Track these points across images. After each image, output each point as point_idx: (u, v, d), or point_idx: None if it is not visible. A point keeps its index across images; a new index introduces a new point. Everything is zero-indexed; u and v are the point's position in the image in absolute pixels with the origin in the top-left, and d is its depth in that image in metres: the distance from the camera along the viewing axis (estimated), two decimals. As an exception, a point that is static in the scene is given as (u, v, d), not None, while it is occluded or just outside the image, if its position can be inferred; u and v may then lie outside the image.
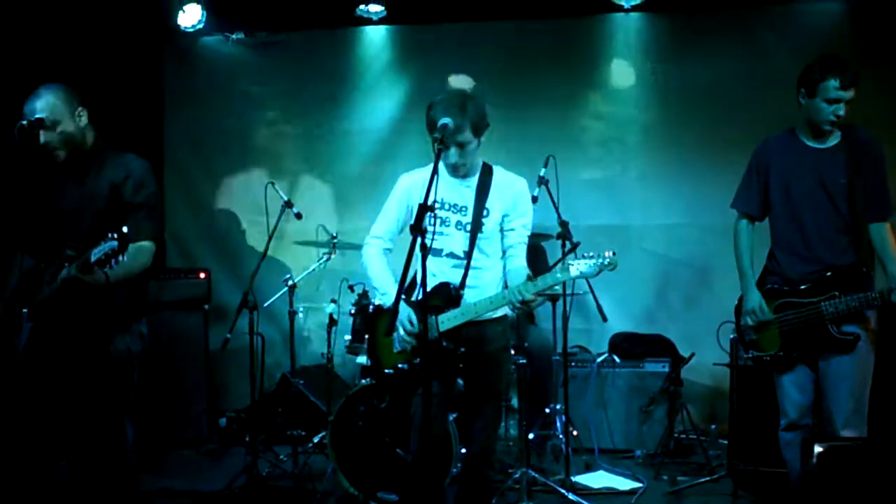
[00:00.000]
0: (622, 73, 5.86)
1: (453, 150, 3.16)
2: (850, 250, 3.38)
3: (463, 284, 3.24)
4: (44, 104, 3.12)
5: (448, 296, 3.21)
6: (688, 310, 5.68)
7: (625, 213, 5.82)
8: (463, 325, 3.18)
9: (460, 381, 3.48)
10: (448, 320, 3.18)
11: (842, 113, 3.32)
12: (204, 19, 5.84)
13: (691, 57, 5.72)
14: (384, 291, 3.31)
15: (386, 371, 3.34)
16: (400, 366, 3.28)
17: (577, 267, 3.05)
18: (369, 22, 5.97)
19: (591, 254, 3.07)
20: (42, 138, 3.12)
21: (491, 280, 3.31)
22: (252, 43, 6.24)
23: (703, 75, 5.67)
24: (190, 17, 5.83)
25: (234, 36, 6.21)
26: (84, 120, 3.22)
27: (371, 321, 3.57)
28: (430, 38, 6.04)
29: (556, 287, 4.65)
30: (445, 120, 3.05)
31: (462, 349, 3.19)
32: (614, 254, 3.05)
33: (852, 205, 3.35)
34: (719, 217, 5.53)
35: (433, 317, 3.13)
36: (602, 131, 5.92)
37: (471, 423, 3.36)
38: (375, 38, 6.11)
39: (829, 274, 3.35)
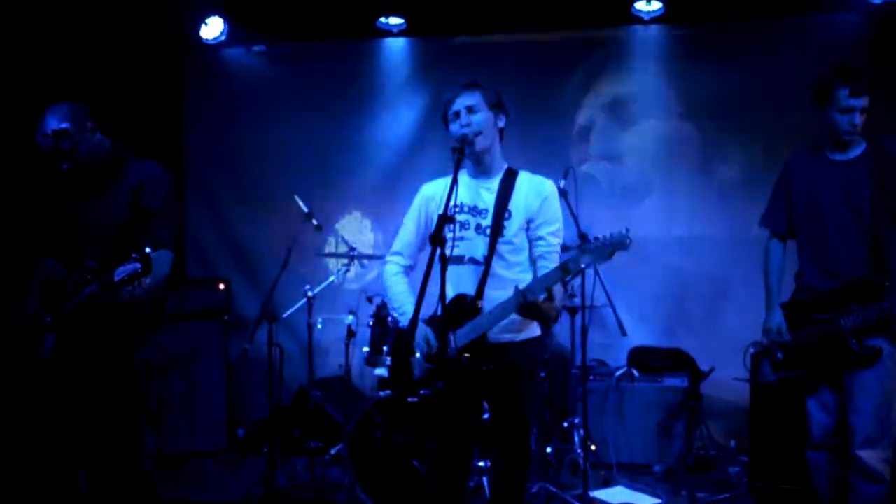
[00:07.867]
0: (641, 85, 5.82)
1: (463, 113, 2.96)
2: (871, 262, 3.28)
3: (480, 293, 2.94)
4: (58, 121, 3.17)
5: (465, 307, 2.94)
6: (707, 324, 5.62)
7: (644, 227, 5.75)
8: (491, 347, 2.93)
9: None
10: (465, 335, 2.93)
11: (857, 122, 3.25)
12: (226, 31, 5.88)
13: (711, 68, 5.68)
14: (403, 312, 3.11)
15: (409, 400, 3.19)
16: (423, 392, 3.02)
17: (588, 253, 2.71)
18: (389, 34, 6.01)
19: (598, 237, 2.75)
20: (63, 153, 3.18)
21: None
22: (273, 55, 6.26)
23: (723, 87, 5.63)
24: (212, 29, 5.86)
25: (255, 48, 6.23)
26: (97, 134, 3.25)
27: (393, 345, 3.41)
28: (451, 50, 6.04)
29: (576, 299, 4.63)
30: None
31: (491, 366, 2.91)
32: (628, 230, 2.71)
33: (875, 215, 3.26)
34: (739, 230, 5.58)
35: (450, 333, 2.89)
36: (621, 144, 5.88)
37: (497, 453, 3.12)
38: (395, 49, 6.13)
39: (845, 286, 3.27)
